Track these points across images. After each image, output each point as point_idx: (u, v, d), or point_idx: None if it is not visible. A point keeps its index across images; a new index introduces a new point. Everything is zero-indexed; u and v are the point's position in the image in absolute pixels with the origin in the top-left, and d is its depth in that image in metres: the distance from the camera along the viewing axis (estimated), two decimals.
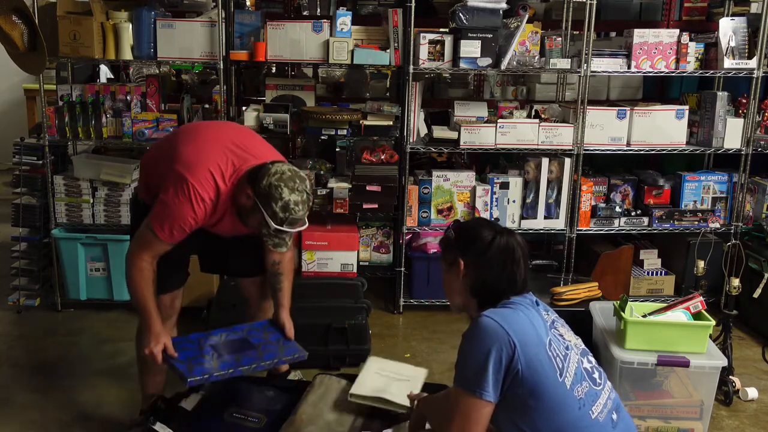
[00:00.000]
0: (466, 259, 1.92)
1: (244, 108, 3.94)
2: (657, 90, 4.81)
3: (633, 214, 3.94)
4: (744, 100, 3.88)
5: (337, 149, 3.87)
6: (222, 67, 3.62)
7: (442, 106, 4.40)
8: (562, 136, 3.78)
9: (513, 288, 1.91)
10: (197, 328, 2.71)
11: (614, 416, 1.88)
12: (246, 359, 2.40)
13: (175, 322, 2.67)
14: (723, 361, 2.63)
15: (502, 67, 3.67)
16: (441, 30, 3.76)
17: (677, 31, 3.76)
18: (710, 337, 2.67)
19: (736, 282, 3.08)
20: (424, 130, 4.02)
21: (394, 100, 4.07)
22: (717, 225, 3.93)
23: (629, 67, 3.76)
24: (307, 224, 2.34)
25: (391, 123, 3.77)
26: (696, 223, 3.93)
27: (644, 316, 2.67)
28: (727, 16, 4.10)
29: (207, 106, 3.85)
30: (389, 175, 3.78)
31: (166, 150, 2.45)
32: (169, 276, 2.57)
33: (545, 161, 3.84)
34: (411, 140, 3.79)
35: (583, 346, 1.96)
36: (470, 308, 1.95)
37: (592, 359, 1.96)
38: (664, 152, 3.90)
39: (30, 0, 3.46)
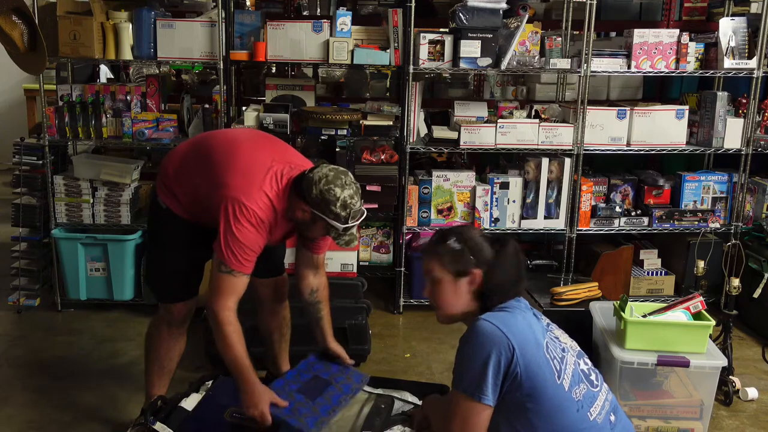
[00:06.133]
0: (482, 267, 1.92)
1: (244, 108, 3.94)
2: (657, 90, 4.81)
3: (633, 214, 3.94)
4: (744, 100, 3.88)
5: (337, 149, 3.87)
6: (222, 67, 3.62)
7: (442, 106, 4.40)
8: (562, 136, 3.78)
9: (518, 289, 1.95)
10: (197, 328, 2.72)
11: (612, 417, 1.89)
12: (334, 397, 2.38)
13: (186, 330, 2.65)
14: (723, 361, 2.63)
15: (502, 67, 3.67)
16: (441, 30, 3.76)
17: (677, 31, 3.76)
18: (710, 337, 2.66)
19: (736, 282, 3.08)
20: (424, 130, 4.02)
21: (394, 100, 4.08)
22: (717, 225, 3.93)
23: (629, 67, 3.76)
24: (365, 212, 2.34)
25: (391, 123, 3.77)
26: (696, 223, 3.93)
27: (644, 316, 2.67)
28: (727, 16, 4.10)
29: (207, 106, 3.84)
30: (389, 175, 3.78)
31: (200, 164, 2.40)
32: (187, 286, 2.58)
33: (545, 161, 3.84)
34: (411, 140, 3.79)
35: (579, 348, 1.97)
36: (470, 316, 1.93)
37: (588, 361, 1.96)
38: (664, 152, 3.90)
39: (30, 0, 3.46)
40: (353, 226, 2.30)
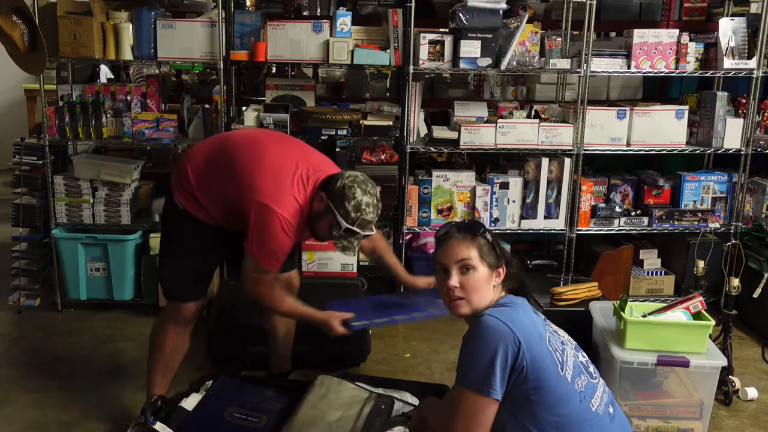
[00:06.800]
0: (505, 264, 1.97)
1: (244, 108, 3.94)
2: (657, 90, 4.81)
3: (633, 214, 3.94)
4: (744, 100, 3.88)
5: (337, 149, 3.88)
6: (222, 67, 3.62)
7: (442, 106, 4.40)
8: (562, 136, 3.78)
9: (527, 288, 2.03)
10: (197, 327, 2.72)
11: (611, 409, 1.91)
12: (399, 312, 2.54)
13: (191, 329, 2.66)
14: (723, 361, 2.63)
15: (502, 67, 3.67)
16: (441, 30, 3.76)
17: (677, 31, 3.76)
18: (710, 337, 2.67)
19: (735, 282, 3.08)
20: (424, 130, 4.02)
21: (394, 100, 4.08)
22: (717, 225, 3.93)
23: (629, 67, 3.76)
24: (374, 231, 2.39)
25: (391, 123, 3.77)
26: (696, 223, 3.93)
27: (644, 316, 2.67)
28: (727, 16, 4.10)
29: (207, 106, 3.84)
30: (389, 175, 3.78)
31: (225, 171, 2.42)
32: (199, 286, 2.61)
33: (545, 161, 3.84)
34: (411, 140, 3.79)
35: (574, 342, 1.99)
36: (477, 314, 1.92)
37: (585, 354, 1.99)
38: (664, 152, 3.90)
39: (30, 0, 3.47)
40: (356, 234, 2.33)
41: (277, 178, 2.34)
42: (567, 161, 3.84)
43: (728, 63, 3.73)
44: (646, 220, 3.94)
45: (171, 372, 2.65)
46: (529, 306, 1.94)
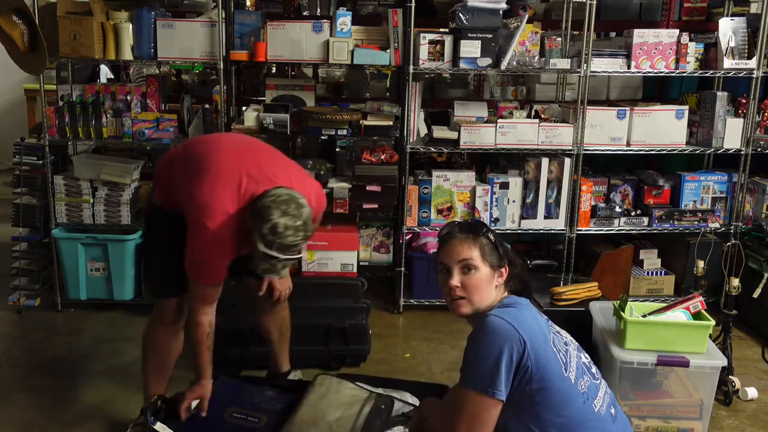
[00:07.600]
0: (508, 264, 1.97)
1: (244, 108, 3.94)
2: (657, 90, 4.81)
3: (633, 214, 3.94)
4: (744, 100, 3.88)
5: (337, 149, 3.87)
6: (222, 67, 3.62)
7: (442, 106, 4.40)
8: (562, 136, 3.78)
9: (530, 289, 2.04)
10: None
11: (612, 410, 1.92)
12: None
13: (182, 327, 2.62)
14: (723, 361, 2.63)
15: (502, 67, 3.67)
16: (441, 30, 3.76)
17: (677, 31, 3.76)
18: (710, 337, 2.67)
19: (735, 282, 3.08)
20: (424, 130, 4.03)
21: (394, 100, 4.07)
22: (717, 225, 3.93)
23: (629, 67, 3.76)
24: (302, 254, 2.30)
25: (391, 123, 3.77)
26: (696, 223, 3.93)
27: (644, 316, 2.67)
28: (727, 16, 4.10)
29: (207, 106, 3.85)
30: (389, 175, 3.78)
31: (182, 170, 2.42)
32: (178, 282, 2.53)
33: (545, 161, 3.84)
34: (411, 140, 3.79)
35: (576, 342, 2.00)
36: (480, 314, 1.91)
37: (587, 355, 2.00)
38: (664, 152, 3.90)
39: (30, 0, 3.47)
40: (274, 257, 2.22)
41: (216, 189, 2.27)
42: (567, 161, 3.84)
43: (728, 63, 3.74)
44: (646, 220, 3.94)
45: (166, 372, 2.63)
46: (533, 307, 1.94)
